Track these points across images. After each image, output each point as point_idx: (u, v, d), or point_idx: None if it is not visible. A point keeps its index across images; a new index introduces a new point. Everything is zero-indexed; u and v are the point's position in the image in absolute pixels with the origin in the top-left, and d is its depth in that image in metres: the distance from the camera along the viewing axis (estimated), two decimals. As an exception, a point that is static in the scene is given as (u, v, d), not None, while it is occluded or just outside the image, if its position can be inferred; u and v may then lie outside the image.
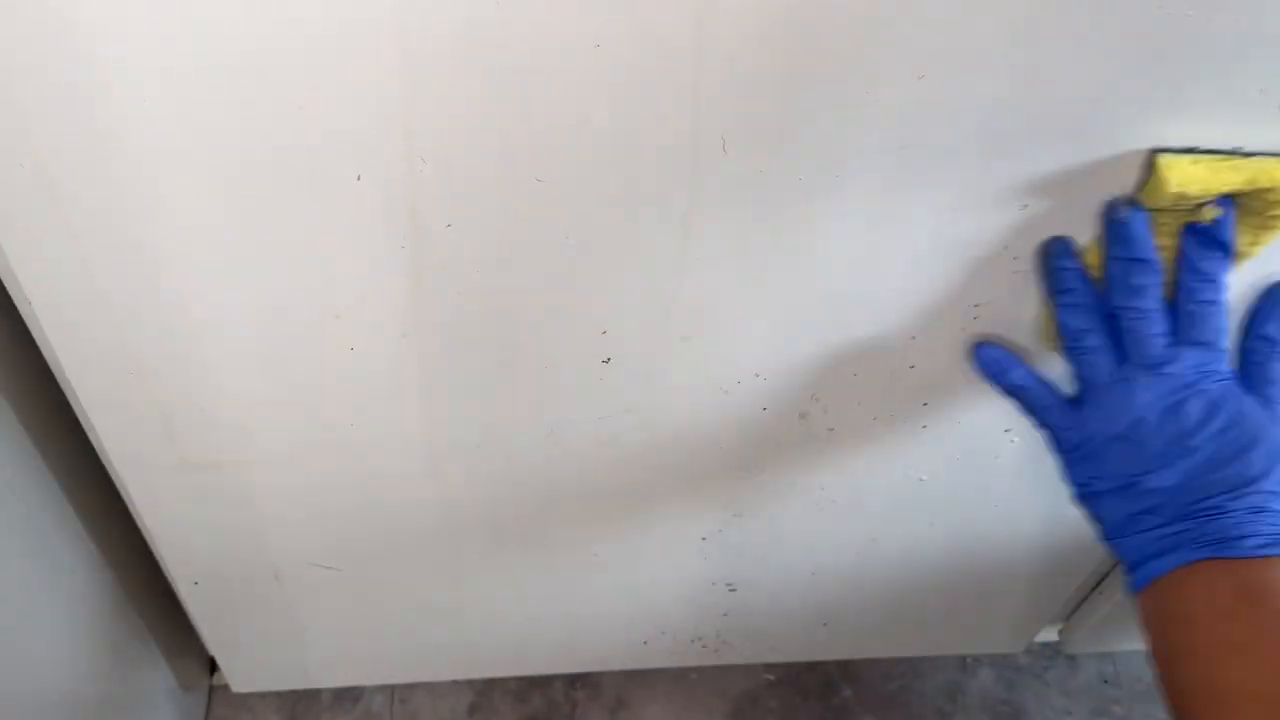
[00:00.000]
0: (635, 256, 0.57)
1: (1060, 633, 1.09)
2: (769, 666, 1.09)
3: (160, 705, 0.92)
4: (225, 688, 1.01)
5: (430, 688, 1.06)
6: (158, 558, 0.79)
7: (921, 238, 0.59)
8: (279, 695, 1.04)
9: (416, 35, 0.46)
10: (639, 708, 1.07)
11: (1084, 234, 0.59)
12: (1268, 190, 0.53)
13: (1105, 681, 1.11)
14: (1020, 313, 0.64)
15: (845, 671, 1.10)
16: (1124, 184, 0.56)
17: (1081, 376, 0.59)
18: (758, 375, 0.67)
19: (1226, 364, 0.57)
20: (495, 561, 0.83)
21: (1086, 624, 1.03)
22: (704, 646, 1.00)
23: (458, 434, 0.69)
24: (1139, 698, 1.10)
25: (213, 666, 1.03)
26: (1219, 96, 0.52)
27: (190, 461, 0.68)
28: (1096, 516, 0.61)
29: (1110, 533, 0.60)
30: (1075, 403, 0.60)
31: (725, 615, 0.95)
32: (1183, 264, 0.56)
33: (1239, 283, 0.61)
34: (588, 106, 0.49)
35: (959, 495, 0.81)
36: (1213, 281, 0.55)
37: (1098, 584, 1.00)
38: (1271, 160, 0.53)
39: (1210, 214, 0.54)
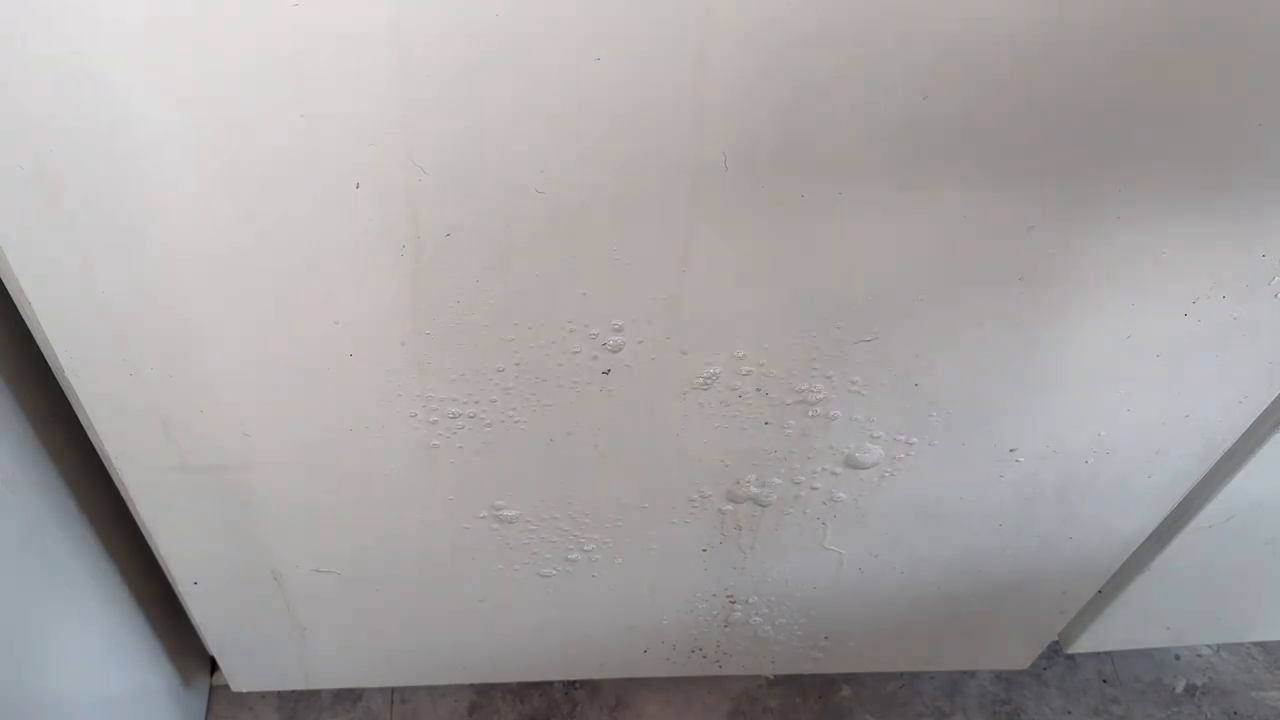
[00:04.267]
0: (636, 268, 0.57)
1: (1059, 633, 1.09)
2: (768, 666, 1.09)
3: (160, 704, 0.92)
4: (225, 687, 1.01)
5: (430, 688, 1.06)
6: (158, 558, 0.79)
7: (925, 256, 0.58)
8: (279, 695, 1.04)
9: (417, 45, 0.45)
10: (639, 708, 1.07)
11: (1091, 247, 0.59)
12: None
13: (1104, 681, 1.11)
14: (1027, 332, 0.64)
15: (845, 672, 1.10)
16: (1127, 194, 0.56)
17: None
18: (759, 389, 0.67)
19: None
20: (494, 567, 0.83)
21: (1085, 624, 1.03)
22: (704, 657, 1.00)
23: (456, 441, 0.69)
24: (1138, 697, 1.10)
25: (213, 666, 1.03)
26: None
27: (190, 463, 0.68)
28: None
29: None
30: None
31: (725, 627, 0.95)
32: None
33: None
34: (588, 119, 0.49)
35: (962, 512, 0.81)
36: None
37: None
38: None
39: None
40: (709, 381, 0.66)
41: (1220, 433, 0.74)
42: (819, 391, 0.67)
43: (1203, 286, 0.62)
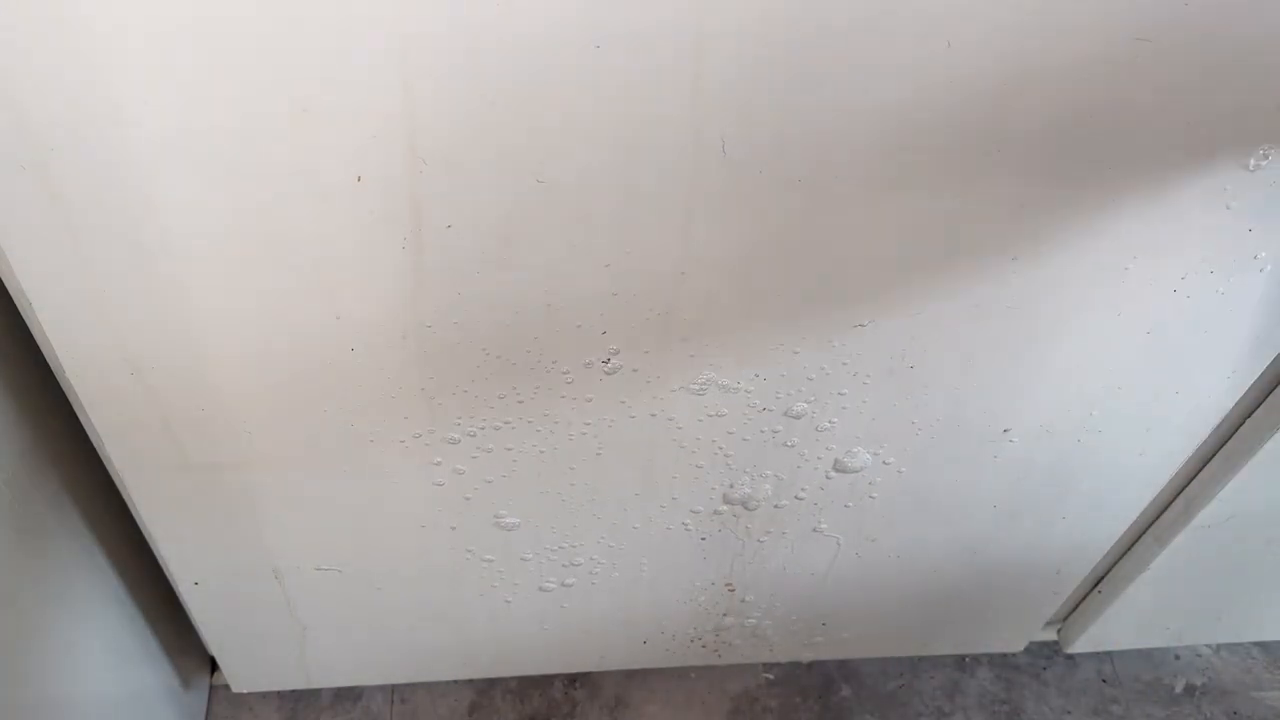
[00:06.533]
0: (635, 257, 0.57)
1: (1059, 632, 1.09)
2: (768, 666, 1.09)
3: (161, 704, 0.92)
4: (225, 687, 1.01)
5: (430, 687, 1.06)
6: (158, 558, 0.79)
7: (920, 238, 0.59)
8: (279, 695, 1.04)
9: (418, 38, 0.46)
10: (638, 707, 1.07)
11: (1082, 228, 0.59)
12: None
13: (1104, 681, 1.11)
14: (1020, 312, 0.64)
15: (844, 670, 1.10)
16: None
17: None
18: (756, 375, 0.67)
19: None
20: (495, 562, 0.83)
21: (1085, 624, 1.04)
22: (703, 646, 1.00)
23: (457, 434, 0.69)
24: (1137, 697, 1.10)
25: (213, 666, 1.03)
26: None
27: (191, 462, 0.68)
28: None
29: None
30: None
31: (725, 615, 0.95)
32: None
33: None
34: (588, 108, 0.49)
35: (957, 496, 0.81)
36: None
37: (1096, 584, 1.00)
38: None
39: None
40: (707, 368, 0.66)
41: (1209, 408, 0.75)
42: (814, 376, 0.68)
43: (1190, 262, 0.62)
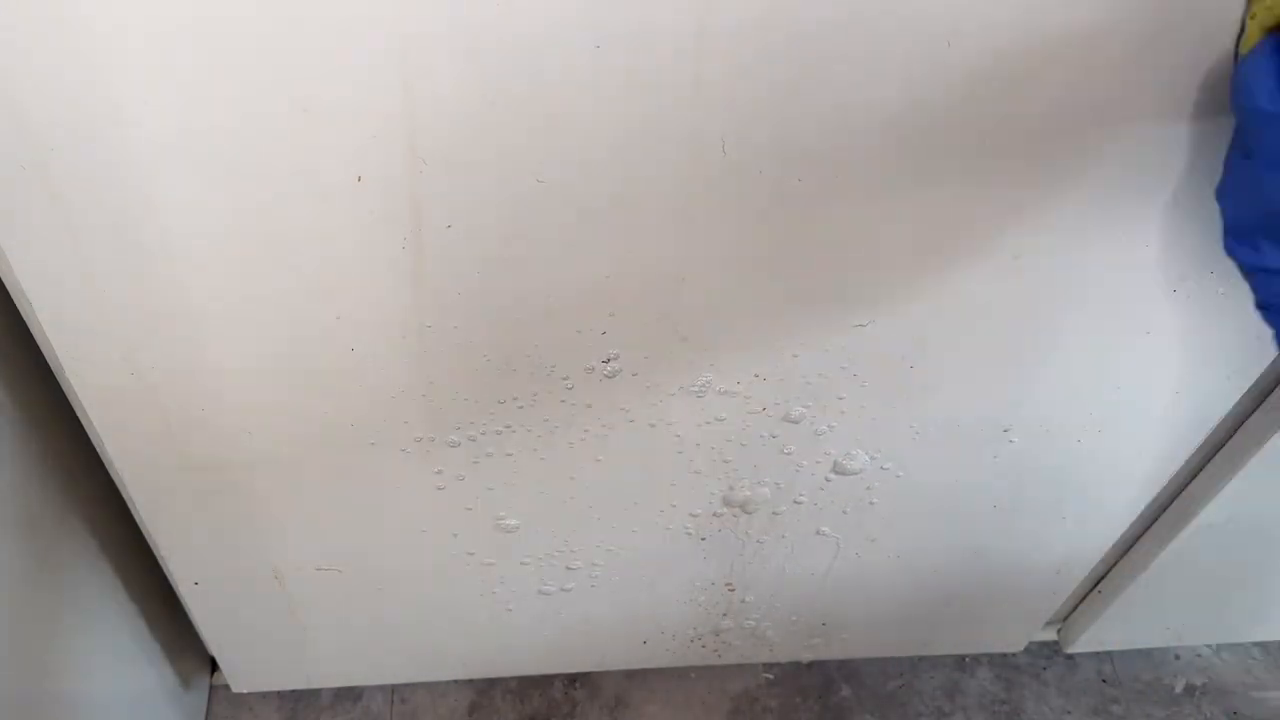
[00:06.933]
0: (635, 257, 0.57)
1: (1059, 632, 1.09)
2: (768, 666, 1.09)
3: (160, 704, 0.92)
4: (225, 687, 1.01)
5: (430, 688, 1.06)
6: (158, 558, 0.79)
7: (920, 237, 0.59)
8: (279, 695, 1.04)
9: (418, 38, 0.46)
10: (639, 707, 1.07)
11: (1083, 227, 0.59)
12: None
13: (1104, 681, 1.11)
14: (1021, 312, 0.64)
15: (844, 671, 1.10)
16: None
17: None
18: (756, 375, 0.67)
19: None
20: (495, 565, 0.83)
21: (1085, 624, 1.04)
22: (703, 646, 1.00)
23: (457, 438, 0.69)
24: (1137, 697, 1.10)
25: (213, 666, 1.03)
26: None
27: (191, 462, 0.68)
28: None
29: None
30: None
31: (725, 615, 0.95)
32: None
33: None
34: (588, 108, 0.49)
35: (957, 496, 0.81)
36: None
37: (1097, 584, 1.00)
38: None
39: None
40: (707, 368, 0.66)
41: (1209, 408, 0.75)
42: (814, 377, 0.68)
43: (1190, 263, 0.62)
